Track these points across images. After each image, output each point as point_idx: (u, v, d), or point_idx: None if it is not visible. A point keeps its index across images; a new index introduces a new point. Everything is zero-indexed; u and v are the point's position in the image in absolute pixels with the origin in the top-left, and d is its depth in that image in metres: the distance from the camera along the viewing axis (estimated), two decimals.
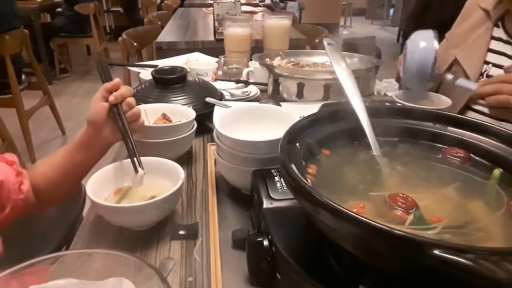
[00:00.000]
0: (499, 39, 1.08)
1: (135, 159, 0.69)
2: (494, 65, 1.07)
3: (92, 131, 0.73)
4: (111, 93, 0.71)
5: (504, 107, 0.80)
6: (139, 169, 0.69)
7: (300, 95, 1.10)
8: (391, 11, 7.85)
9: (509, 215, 0.45)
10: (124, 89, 0.72)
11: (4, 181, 0.66)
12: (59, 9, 4.36)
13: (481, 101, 0.88)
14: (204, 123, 0.98)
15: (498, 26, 1.09)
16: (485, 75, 1.08)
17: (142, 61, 2.31)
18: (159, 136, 0.82)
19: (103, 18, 5.83)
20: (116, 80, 0.73)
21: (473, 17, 1.14)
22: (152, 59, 2.35)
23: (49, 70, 4.07)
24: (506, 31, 1.08)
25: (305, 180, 0.42)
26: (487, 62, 1.09)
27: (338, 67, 0.67)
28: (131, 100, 0.73)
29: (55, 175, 0.75)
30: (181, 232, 0.65)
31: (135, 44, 2.12)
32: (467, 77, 1.11)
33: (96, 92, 0.73)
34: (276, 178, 0.60)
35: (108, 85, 0.72)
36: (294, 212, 0.54)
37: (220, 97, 1.09)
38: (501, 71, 1.05)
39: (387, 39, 6.48)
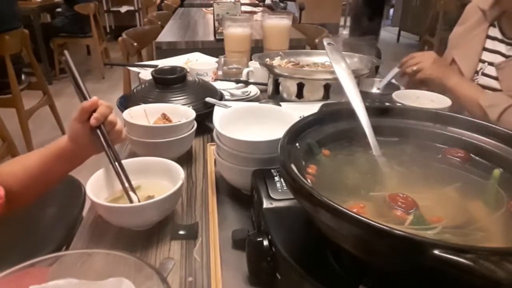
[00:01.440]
0: (494, 38, 1.10)
1: (126, 184, 0.67)
2: (490, 63, 1.09)
3: (74, 147, 0.72)
4: (90, 113, 0.68)
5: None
6: (133, 196, 0.66)
7: (300, 95, 1.10)
8: (391, 11, 7.85)
9: (509, 215, 0.45)
10: (104, 108, 0.69)
11: None
12: (59, 9, 4.36)
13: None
14: (204, 123, 0.98)
15: (494, 26, 1.11)
16: (480, 73, 1.10)
17: (142, 61, 2.31)
18: (159, 136, 0.82)
19: (103, 18, 5.82)
20: (94, 98, 0.68)
21: (472, 19, 1.15)
22: (152, 59, 2.35)
23: (49, 70, 4.07)
24: (501, 31, 1.09)
25: (305, 180, 0.42)
26: (482, 61, 1.11)
27: (338, 67, 0.67)
28: (113, 118, 0.70)
29: (25, 177, 0.73)
30: (181, 232, 0.65)
31: (135, 44, 2.12)
32: (462, 75, 1.13)
33: (94, 94, 0.71)
34: (276, 178, 0.60)
35: (86, 104, 0.68)
36: (294, 212, 0.54)
37: (220, 97, 1.09)
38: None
39: (387, 39, 6.48)
